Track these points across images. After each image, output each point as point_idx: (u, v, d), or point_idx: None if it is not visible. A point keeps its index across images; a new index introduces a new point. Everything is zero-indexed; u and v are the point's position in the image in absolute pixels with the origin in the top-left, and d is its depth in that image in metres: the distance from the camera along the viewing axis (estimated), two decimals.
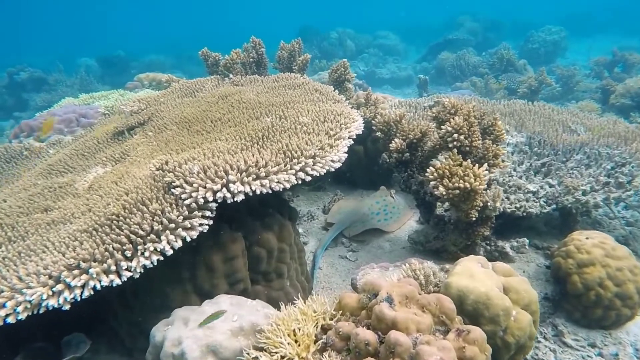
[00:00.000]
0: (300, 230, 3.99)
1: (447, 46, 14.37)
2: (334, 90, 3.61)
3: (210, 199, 2.19)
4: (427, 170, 2.74)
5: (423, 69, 14.49)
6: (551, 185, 3.32)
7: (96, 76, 14.38)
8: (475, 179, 2.48)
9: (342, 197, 4.48)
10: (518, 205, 3.05)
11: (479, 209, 2.70)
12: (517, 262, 3.14)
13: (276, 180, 2.29)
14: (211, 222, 2.22)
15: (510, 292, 2.07)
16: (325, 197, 4.68)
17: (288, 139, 2.57)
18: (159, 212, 2.16)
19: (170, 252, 2.07)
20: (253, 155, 2.41)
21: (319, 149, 2.51)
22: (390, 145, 3.24)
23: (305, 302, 1.96)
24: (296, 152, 2.42)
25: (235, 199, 2.21)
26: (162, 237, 2.08)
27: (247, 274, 2.52)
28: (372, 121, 3.61)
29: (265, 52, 4.78)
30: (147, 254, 2.03)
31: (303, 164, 2.40)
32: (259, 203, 2.73)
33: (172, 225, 2.11)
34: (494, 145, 2.81)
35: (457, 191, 2.53)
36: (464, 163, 2.60)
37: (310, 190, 4.79)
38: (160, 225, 2.11)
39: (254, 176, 2.27)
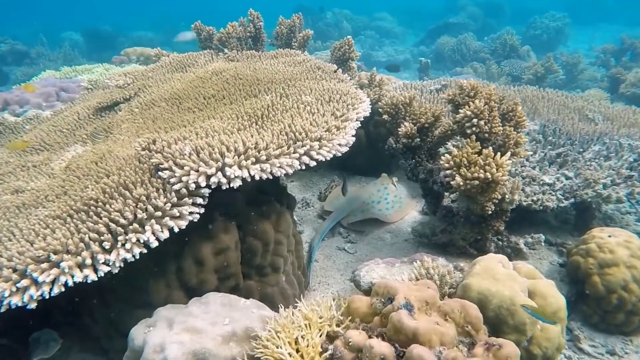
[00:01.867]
0: (294, 219, 3.74)
1: (446, 30, 13.99)
2: (337, 69, 3.33)
3: (203, 184, 1.93)
4: (442, 158, 2.50)
5: (421, 52, 14.11)
6: (568, 177, 3.10)
7: (81, 51, 13.71)
8: (497, 169, 2.24)
9: (339, 183, 4.23)
10: (535, 199, 2.84)
11: (497, 201, 2.47)
12: (529, 259, 2.94)
13: (278, 164, 2.03)
14: (202, 211, 1.96)
15: (537, 298, 1.86)
16: (320, 183, 4.41)
17: (291, 119, 2.30)
18: (143, 198, 1.90)
19: (155, 244, 1.82)
20: (252, 136, 2.14)
21: (325, 131, 2.25)
22: (398, 129, 2.99)
23: (302, 301, 1.73)
24: (300, 134, 2.16)
25: (231, 185, 1.95)
26: (147, 227, 1.83)
27: (239, 268, 2.27)
28: (378, 103, 3.34)
29: (264, 27, 4.46)
30: (128, 245, 1.77)
31: (308, 147, 2.14)
32: (256, 189, 2.47)
33: (159, 213, 1.86)
34: (515, 132, 2.57)
35: (476, 182, 2.29)
36: (484, 151, 2.35)
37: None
38: (144, 213, 1.85)
39: (254, 159, 2.00)
